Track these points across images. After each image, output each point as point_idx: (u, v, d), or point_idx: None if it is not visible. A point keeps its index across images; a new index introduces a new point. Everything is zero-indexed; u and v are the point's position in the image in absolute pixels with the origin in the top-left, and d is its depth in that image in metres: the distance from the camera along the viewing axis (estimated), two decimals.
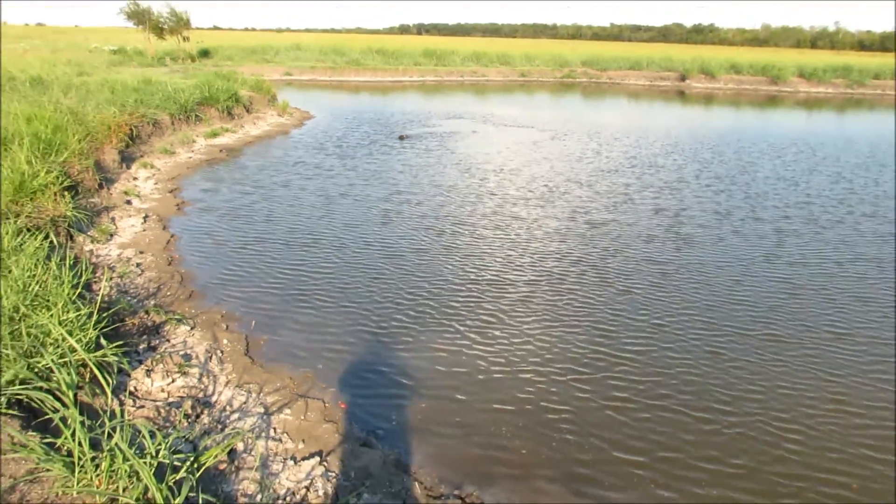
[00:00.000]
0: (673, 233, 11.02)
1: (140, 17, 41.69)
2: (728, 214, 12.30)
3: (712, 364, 6.69)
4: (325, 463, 4.88)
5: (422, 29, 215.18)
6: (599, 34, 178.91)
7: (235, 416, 5.46)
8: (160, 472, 3.88)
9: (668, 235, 10.86)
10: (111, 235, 9.75)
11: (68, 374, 4.66)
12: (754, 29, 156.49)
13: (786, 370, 6.57)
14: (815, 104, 38.54)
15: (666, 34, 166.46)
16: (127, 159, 14.28)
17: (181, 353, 6.36)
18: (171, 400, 5.53)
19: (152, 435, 4.15)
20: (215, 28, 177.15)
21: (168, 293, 7.91)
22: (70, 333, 5.19)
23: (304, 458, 4.92)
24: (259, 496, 4.40)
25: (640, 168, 16.65)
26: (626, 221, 11.63)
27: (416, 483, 4.75)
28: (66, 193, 9.79)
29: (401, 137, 20.56)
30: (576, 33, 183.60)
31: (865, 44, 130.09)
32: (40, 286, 6.05)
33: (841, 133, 24.84)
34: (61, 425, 4.10)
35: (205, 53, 45.99)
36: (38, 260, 6.64)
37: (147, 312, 7.06)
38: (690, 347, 7.01)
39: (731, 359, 6.80)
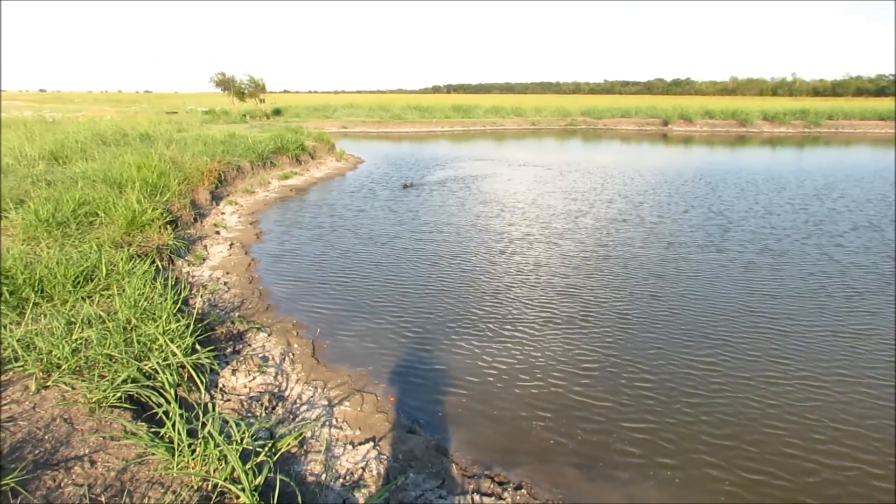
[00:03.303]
0: (666, 257, 10.69)
1: (226, 84, 42.55)
2: (708, 240, 12.00)
3: (709, 368, 6.49)
4: (377, 447, 4.83)
5: (450, 88, 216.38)
6: (595, 89, 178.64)
7: (304, 407, 5.44)
8: (244, 456, 3.86)
9: (661, 259, 10.53)
10: (204, 260, 9.84)
11: (170, 374, 4.68)
12: (724, 81, 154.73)
13: (777, 379, 6.30)
14: (777, 142, 37.80)
15: (650, 87, 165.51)
16: (216, 198, 14.48)
17: (260, 355, 6.37)
18: (252, 394, 5.53)
19: (238, 425, 4.13)
20: (285, 91, 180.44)
21: (249, 306, 7.95)
22: (171, 341, 5.22)
23: (360, 443, 4.87)
24: (324, 475, 4.35)
25: (634, 200, 16.37)
26: (625, 244, 11.42)
27: (454, 464, 4.67)
28: (168, 226, 9.94)
29: (405, 186, 18.17)
30: (575, 88, 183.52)
31: (819, 90, 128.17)
32: (148, 302, 6.10)
33: (801, 167, 24.01)
34: (164, 417, 4.11)
35: (277, 112, 46.64)
36: (146, 281, 6.72)
37: (233, 322, 7.09)
38: (691, 356, 6.75)
39: (724, 368, 6.58)
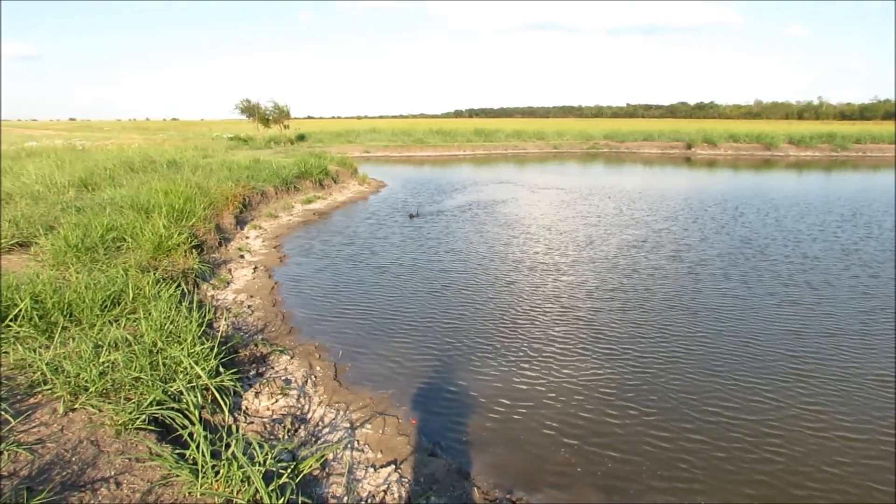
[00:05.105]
0: (693, 288, 10.40)
1: (251, 110, 43.45)
2: (738, 271, 11.83)
3: (742, 415, 6.39)
4: (399, 470, 4.83)
5: (472, 113, 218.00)
6: (618, 112, 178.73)
7: (326, 429, 5.46)
8: (267, 478, 3.89)
9: (689, 291, 10.14)
10: (228, 283, 9.98)
11: (195, 396, 4.75)
12: (748, 104, 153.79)
13: (818, 431, 6.04)
14: (804, 166, 37.22)
15: (673, 111, 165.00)
16: (241, 222, 14.70)
17: (283, 378, 6.42)
18: (274, 417, 5.57)
19: (261, 446, 4.17)
20: (309, 117, 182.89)
21: (272, 329, 8.03)
22: (196, 363, 5.29)
23: (382, 466, 4.87)
24: (345, 498, 4.36)
25: (657, 226, 16.31)
26: (650, 274, 11.34)
27: (475, 488, 4.65)
28: (193, 250, 10.11)
29: (411, 216, 17.35)
30: (598, 112, 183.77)
31: (846, 114, 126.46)
32: (173, 325, 6.20)
33: (829, 192, 23.53)
34: (189, 440, 4.16)
35: (301, 137, 47.23)
36: (172, 304, 6.84)
37: (256, 345, 7.17)
38: (722, 398, 6.62)
39: (760, 416, 6.44)
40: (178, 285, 8.13)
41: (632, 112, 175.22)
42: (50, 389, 4.83)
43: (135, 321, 6.38)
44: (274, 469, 4.04)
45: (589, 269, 11.30)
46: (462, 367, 6.98)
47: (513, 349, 7.52)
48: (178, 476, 3.88)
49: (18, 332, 5.81)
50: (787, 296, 9.57)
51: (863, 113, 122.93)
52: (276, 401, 5.84)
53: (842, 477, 4.92)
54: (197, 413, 4.53)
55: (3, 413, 4.44)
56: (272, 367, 6.74)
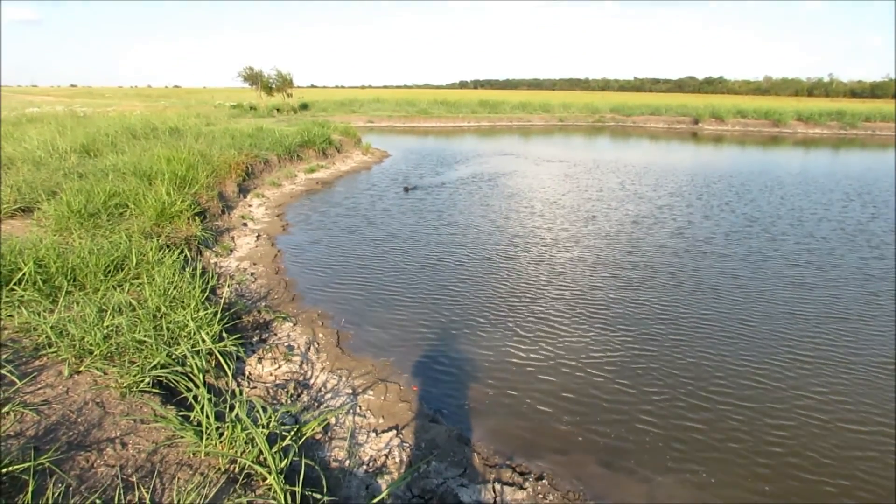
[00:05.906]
0: (699, 266, 10.41)
1: (254, 78, 43.00)
2: (747, 249, 11.81)
3: (736, 373, 6.47)
4: (400, 435, 4.90)
5: (478, 84, 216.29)
6: (625, 86, 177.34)
7: (329, 395, 5.53)
8: (270, 440, 3.95)
9: (694, 268, 10.12)
10: (231, 251, 10.01)
11: (199, 360, 4.79)
12: (757, 80, 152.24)
13: (796, 391, 6.27)
14: (812, 143, 36.79)
15: (681, 85, 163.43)
16: (244, 190, 14.69)
17: (286, 344, 6.48)
18: (277, 382, 5.63)
19: (264, 409, 4.23)
20: (312, 86, 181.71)
21: (275, 296, 8.08)
22: (200, 328, 5.34)
23: (383, 431, 4.94)
24: (347, 461, 4.44)
25: (662, 202, 16.25)
26: (655, 249, 11.31)
27: (475, 454, 4.72)
28: (196, 218, 10.11)
29: (406, 189, 16.90)
30: (605, 85, 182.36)
31: (857, 91, 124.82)
32: (177, 291, 6.24)
33: (836, 170, 23.36)
34: (193, 402, 4.22)
35: (304, 106, 46.89)
36: (175, 270, 6.87)
37: (259, 312, 7.22)
38: (715, 360, 6.76)
39: (743, 363, 6.57)
40: (181, 252, 8.16)
41: (639, 86, 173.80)
42: (55, 352, 4.88)
43: (138, 286, 6.42)
44: (277, 432, 4.11)
45: (590, 244, 11.29)
46: (463, 338, 7.03)
47: (513, 322, 7.55)
48: (182, 437, 3.94)
49: (23, 296, 5.85)
50: (790, 276, 9.53)
51: (874, 91, 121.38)
52: (279, 366, 5.90)
53: (842, 463, 4.95)
54: (201, 377, 4.58)
55: (8, 374, 4.49)
56: (275, 334, 6.80)
